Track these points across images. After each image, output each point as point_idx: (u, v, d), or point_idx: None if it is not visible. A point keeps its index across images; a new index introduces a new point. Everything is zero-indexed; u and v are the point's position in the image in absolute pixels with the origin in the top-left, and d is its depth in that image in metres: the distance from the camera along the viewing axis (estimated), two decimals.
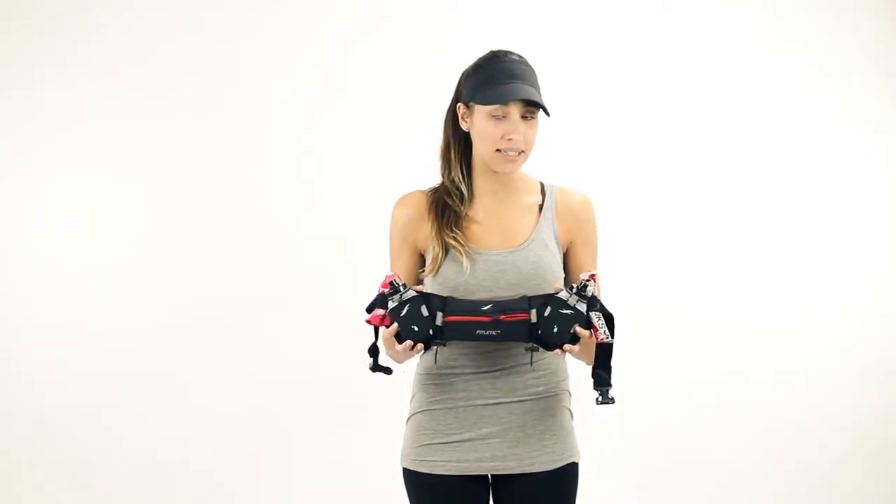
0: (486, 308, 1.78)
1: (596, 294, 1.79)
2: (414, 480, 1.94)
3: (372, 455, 3.17)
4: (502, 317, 1.77)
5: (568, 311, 1.77)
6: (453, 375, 1.91)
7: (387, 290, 1.80)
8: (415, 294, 1.80)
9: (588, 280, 1.77)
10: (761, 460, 3.43)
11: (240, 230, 3.44)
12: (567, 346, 1.78)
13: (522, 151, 1.88)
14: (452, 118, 1.96)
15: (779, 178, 3.48)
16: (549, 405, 1.92)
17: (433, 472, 1.91)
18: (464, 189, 1.94)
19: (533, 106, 1.85)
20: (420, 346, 1.80)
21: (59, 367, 3.44)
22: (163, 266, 3.45)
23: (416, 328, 1.79)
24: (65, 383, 3.44)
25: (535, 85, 1.87)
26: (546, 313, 1.77)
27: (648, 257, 3.42)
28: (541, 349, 1.80)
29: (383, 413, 2.77)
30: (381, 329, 1.85)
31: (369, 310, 1.83)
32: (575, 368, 1.97)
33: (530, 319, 1.78)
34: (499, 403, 1.90)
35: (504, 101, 1.84)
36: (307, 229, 3.43)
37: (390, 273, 1.82)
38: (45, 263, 3.46)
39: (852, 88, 3.50)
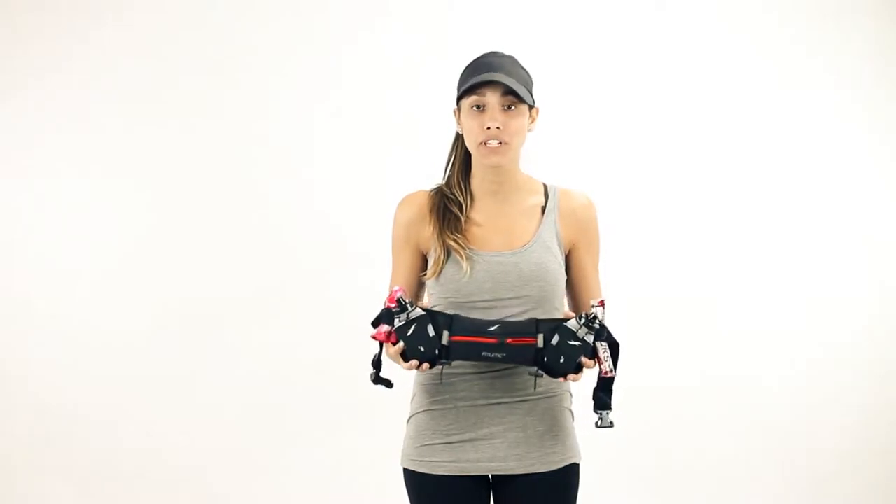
0: (492, 329, 1.77)
1: (605, 323, 1.78)
2: (414, 481, 1.94)
3: (372, 455, 3.17)
4: (509, 340, 1.76)
5: (576, 343, 1.76)
6: (454, 376, 1.91)
7: (393, 306, 1.78)
8: (421, 313, 1.78)
9: (597, 306, 1.77)
10: (761, 460, 3.43)
11: (240, 231, 3.44)
12: (571, 376, 1.79)
13: (506, 143, 1.86)
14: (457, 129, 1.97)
15: (778, 178, 3.47)
16: (550, 405, 1.92)
17: (434, 473, 1.91)
18: (458, 194, 1.94)
19: (510, 94, 1.85)
20: (425, 365, 1.80)
21: (60, 368, 3.44)
22: (163, 266, 3.45)
23: (422, 348, 1.78)
24: (65, 384, 3.44)
25: (516, 76, 1.87)
26: (554, 341, 1.77)
27: (649, 257, 3.42)
28: (545, 375, 1.80)
29: (384, 413, 2.76)
30: (386, 345, 1.83)
31: (374, 324, 1.82)
32: None
33: (537, 344, 1.77)
34: (500, 403, 1.90)
35: (474, 84, 1.84)
36: (307, 230, 3.43)
37: (396, 288, 1.80)
38: (45, 264, 3.46)
39: (851, 88, 3.50)
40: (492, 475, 1.93)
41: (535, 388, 1.88)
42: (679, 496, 3.41)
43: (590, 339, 1.76)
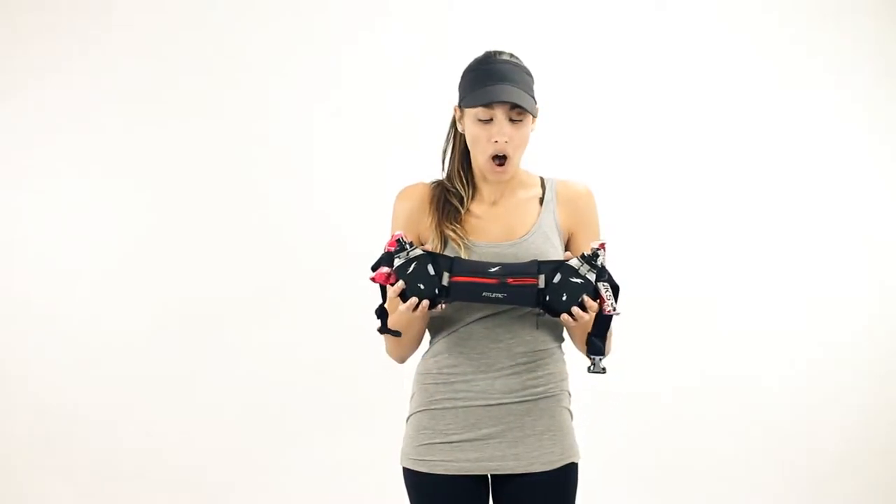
0: (493, 270, 1.76)
1: (605, 264, 1.78)
2: (414, 480, 1.94)
3: (372, 455, 3.17)
4: (510, 280, 1.76)
5: (578, 280, 1.76)
6: (453, 376, 1.91)
7: (393, 249, 1.78)
8: (421, 252, 1.78)
9: (598, 249, 1.76)
10: (761, 460, 3.43)
11: (240, 231, 3.44)
12: (575, 310, 1.77)
13: (510, 156, 1.87)
14: (453, 118, 1.97)
15: (778, 179, 3.48)
16: (548, 405, 1.92)
17: (433, 472, 1.91)
18: (460, 188, 1.95)
19: (517, 107, 1.85)
20: (425, 304, 1.78)
21: (60, 368, 3.44)
22: (163, 266, 3.45)
23: (421, 286, 1.77)
24: (66, 384, 3.44)
25: (522, 85, 1.86)
26: (555, 280, 1.76)
27: (649, 256, 3.42)
28: (546, 314, 1.79)
29: (384, 413, 2.77)
30: (388, 289, 1.81)
31: (374, 268, 1.81)
32: (575, 369, 1.97)
33: (538, 284, 1.76)
34: (499, 404, 1.90)
35: (484, 103, 1.84)
36: (307, 230, 3.43)
37: (397, 232, 1.80)
38: (45, 264, 3.46)
39: (851, 88, 3.51)
40: (491, 475, 1.93)
41: (536, 328, 1.88)
42: (679, 496, 3.41)
43: (591, 277, 1.76)
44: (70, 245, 3.46)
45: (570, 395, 1.98)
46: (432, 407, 1.93)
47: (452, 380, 1.91)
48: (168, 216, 3.47)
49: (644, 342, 3.30)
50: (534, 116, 1.90)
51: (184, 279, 3.44)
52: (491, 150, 1.86)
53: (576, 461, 1.94)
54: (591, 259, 1.76)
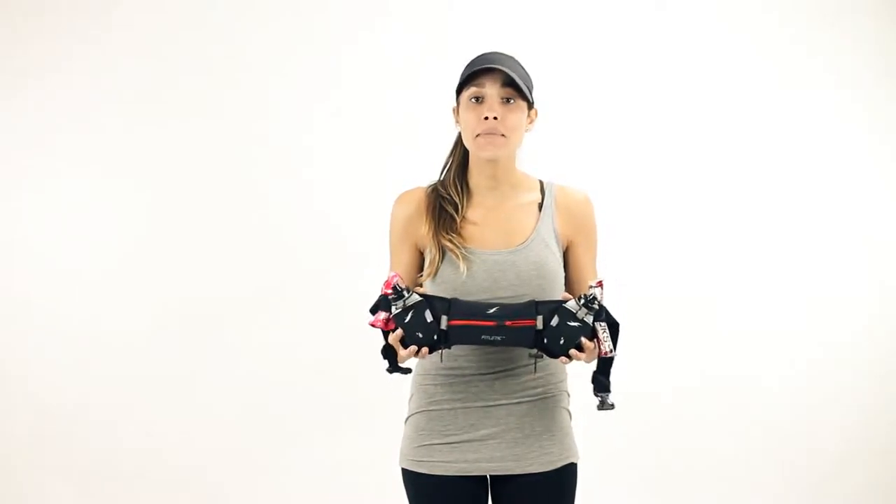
0: (491, 312, 1.76)
1: (603, 304, 1.78)
2: (413, 481, 1.95)
3: (372, 455, 3.17)
4: (508, 322, 1.75)
5: (575, 324, 1.76)
6: (451, 377, 1.91)
7: (390, 293, 1.78)
8: (418, 299, 1.77)
9: (596, 287, 1.76)
10: (761, 460, 3.43)
11: (240, 231, 3.44)
12: (572, 352, 1.77)
13: (503, 136, 1.86)
14: (458, 135, 1.97)
15: (778, 179, 3.47)
16: (547, 406, 1.92)
17: (432, 473, 1.91)
18: (454, 194, 1.94)
19: (509, 87, 1.84)
20: (425, 350, 1.79)
21: (60, 368, 3.44)
22: (163, 266, 3.45)
23: (420, 334, 1.77)
24: (66, 384, 3.44)
25: (514, 70, 1.86)
26: (553, 323, 1.76)
27: (648, 257, 3.42)
28: (544, 356, 1.79)
29: (384, 413, 2.77)
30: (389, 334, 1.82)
31: (373, 311, 1.81)
32: (574, 369, 1.97)
33: (536, 326, 1.76)
34: (497, 405, 1.90)
35: (474, 76, 1.84)
36: (307, 230, 3.43)
37: (392, 274, 1.79)
38: (45, 264, 3.46)
39: (851, 88, 3.50)
40: (490, 475, 1.93)
41: (534, 370, 1.88)
42: (679, 496, 3.41)
43: (589, 319, 1.76)
44: (70, 245, 3.46)
45: (569, 395, 1.98)
46: (431, 408, 1.93)
47: (451, 381, 1.91)
48: (168, 216, 3.47)
49: (644, 342, 3.30)
50: (530, 105, 1.89)
51: (184, 279, 3.44)
52: (480, 129, 1.85)
53: (575, 461, 1.95)
54: (589, 302, 1.75)
